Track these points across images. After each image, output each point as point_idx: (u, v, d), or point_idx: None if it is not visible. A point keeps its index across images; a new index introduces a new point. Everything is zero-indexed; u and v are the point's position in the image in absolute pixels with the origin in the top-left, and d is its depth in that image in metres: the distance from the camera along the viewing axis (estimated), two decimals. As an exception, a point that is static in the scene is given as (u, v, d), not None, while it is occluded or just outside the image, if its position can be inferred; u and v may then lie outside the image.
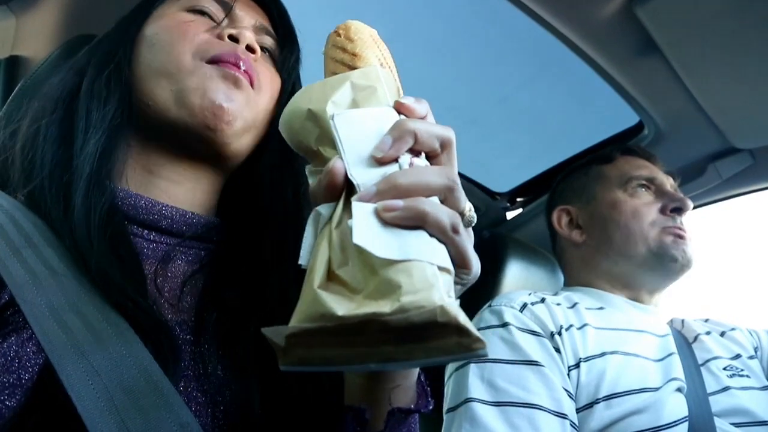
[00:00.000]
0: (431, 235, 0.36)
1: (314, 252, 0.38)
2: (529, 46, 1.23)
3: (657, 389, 0.89)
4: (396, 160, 0.39)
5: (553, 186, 1.35)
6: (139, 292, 0.49)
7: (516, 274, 1.35)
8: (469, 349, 0.33)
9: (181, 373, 0.48)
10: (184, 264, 0.57)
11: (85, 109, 0.58)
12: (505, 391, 0.88)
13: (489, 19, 1.20)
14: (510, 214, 1.68)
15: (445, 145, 0.41)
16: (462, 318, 0.32)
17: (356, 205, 0.36)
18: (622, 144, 1.35)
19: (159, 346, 0.46)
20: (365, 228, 0.35)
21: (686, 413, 0.86)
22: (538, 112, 1.44)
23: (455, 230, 0.37)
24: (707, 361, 1.00)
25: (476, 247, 1.40)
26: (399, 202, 0.36)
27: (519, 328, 0.95)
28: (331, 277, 0.36)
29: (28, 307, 0.44)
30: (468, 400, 0.89)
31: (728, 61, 1.09)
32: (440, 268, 0.35)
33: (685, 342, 1.04)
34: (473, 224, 0.41)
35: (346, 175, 0.39)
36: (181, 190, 0.61)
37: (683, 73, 1.11)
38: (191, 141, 0.59)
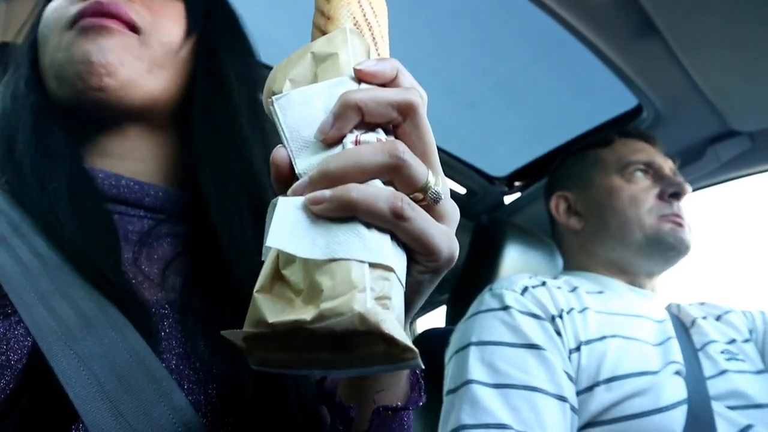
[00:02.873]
0: (368, 225, 0.32)
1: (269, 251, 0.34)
2: (527, 28, 1.22)
3: (656, 372, 0.90)
4: (341, 141, 0.34)
5: (550, 171, 1.35)
6: (116, 271, 0.48)
7: (514, 259, 1.35)
8: (398, 359, 0.29)
9: (172, 352, 0.47)
10: (165, 242, 0.56)
11: (15, 113, 0.56)
12: (506, 374, 0.88)
13: (486, 1, 1.19)
14: (508, 199, 1.68)
15: (405, 111, 0.35)
16: (387, 326, 0.29)
17: (280, 202, 0.32)
18: (621, 127, 1.35)
19: (141, 326, 0.46)
20: (286, 226, 0.31)
21: (685, 396, 0.86)
22: (537, 96, 1.44)
23: (398, 215, 0.32)
24: (705, 345, 1.01)
25: (474, 232, 1.39)
26: (326, 193, 0.31)
27: (520, 311, 0.95)
28: (279, 276, 0.33)
29: (16, 295, 0.44)
30: (468, 381, 0.89)
31: (728, 43, 1.08)
32: (373, 266, 0.31)
33: (682, 326, 1.05)
34: (441, 199, 0.35)
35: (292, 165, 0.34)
36: (139, 164, 0.59)
37: (682, 55, 1.10)
38: (97, 112, 0.56)
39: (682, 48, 1.09)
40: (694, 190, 1.42)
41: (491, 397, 0.86)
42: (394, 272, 0.32)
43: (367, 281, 0.30)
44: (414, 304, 0.38)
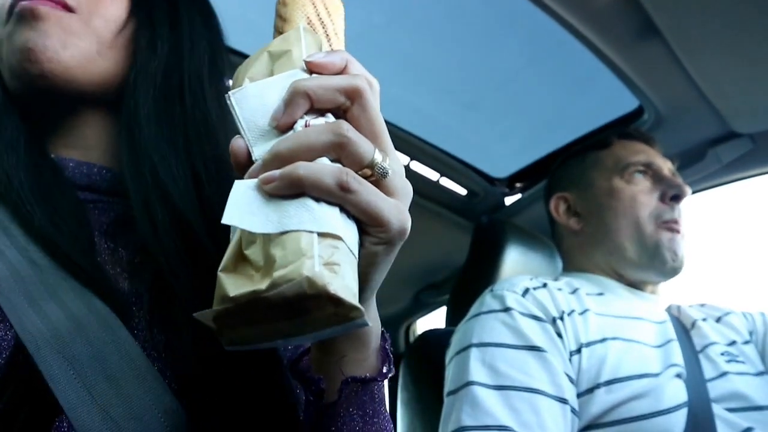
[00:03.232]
0: (318, 200, 0.34)
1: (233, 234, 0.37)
2: (528, 29, 1.22)
3: (657, 375, 0.89)
4: (293, 126, 0.37)
5: (550, 172, 1.35)
6: (91, 262, 0.48)
7: (515, 260, 1.35)
8: (347, 319, 0.32)
9: (149, 345, 0.47)
10: (134, 229, 0.53)
11: None
12: (507, 375, 0.88)
13: (487, 2, 1.19)
14: (508, 200, 1.68)
15: (352, 96, 0.37)
16: (333, 287, 0.31)
17: (236, 184, 0.35)
18: (622, 129, 1.35)
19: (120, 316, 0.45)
20: (241, 204, 0.34)
21: (685, 398, 0.86)
22: (538, 97, 1.44)
23: (345, 188, 0.34)
24: (705, 347, 1.00)
25: (474, 234, 1.40)
26: (276, 172, 0.34)
27: (521, 313, 0.95)
28: (242, 257, 0.35)
29: (3, 298, 0.43)
30: (469, 383, 0.89)
31: (729, 44, 1.08)
32: (322, 235, 0.33)
33: (682, 328, 1.04)
34: (388, 173, 0.37)
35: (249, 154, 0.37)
36: (103, 151, 0.57)
37: (684, 56, 1.10)
38: (46, 99, 0.55)
39: (683, 50, 1.09)
40: (695, 192, 1.42)
41: (492, 399, 0.86)
42: (343, 241, 0.34)
43: (315, 249, 0.32)
44: (371, 276, 0.40)
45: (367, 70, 0.41)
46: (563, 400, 0.86)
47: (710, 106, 1.24)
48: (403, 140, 1.43)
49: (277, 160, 0.35)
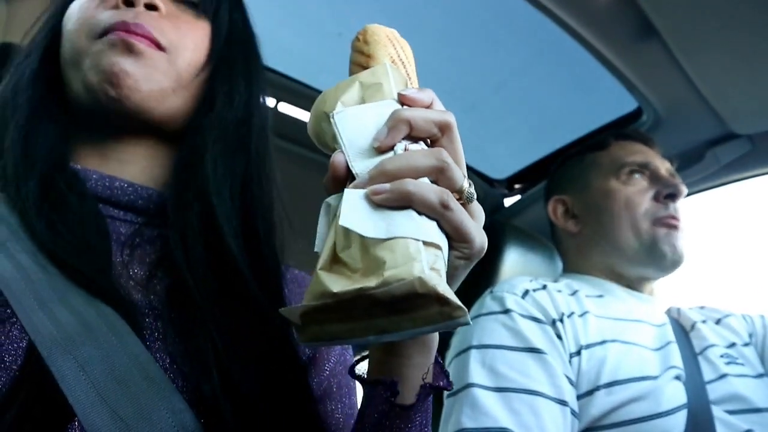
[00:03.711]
0: (420, 213, 0.38)
1: (325, 239, 0.40)
2: (527, 30, 1.22)
3: (656, 377, 0.89)
4: (392, 148, 0.41)
5: (549, 174, 1.35)
6: (98, 274, 0.49)
7: (514, 261, 1.35)
8: (450, 318, 0.35)
9: (155, 356, 0.48)
10: (154, 244, 0.56)
11: (13, 104, 0.57)
12: (507, 377, 0.88)
13: (486, 4, 1.19)
14: (508, 201, 1.68)
15: (443, 129, 0.43)
16: (442, 288, 0.35)
17: (347, 192, 0.39)
18: (621, 130, 1.35)
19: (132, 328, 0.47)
20: (353, 211, 0.38)
21: (685, 401, 0.86)
22: (537, 98, 1.44)
23: (445, 206, 0.38)
24: (704, 349, 1.00)
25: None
26: (386, 186, 0.38)
27: (521, 315, 0.95)
28: (336, 260, 0.38)
29: (15, 301, 0.44)
30: (469, 385, 0.89)
31: (728, 46, 1.08)
32: (426, 243, 0.37)
33: (682, 331, 1.04)
34: (474, 200, 0.42)
35: (348, 168, 0.41)
36: (138, 168, 0.60)
37: (682, 57, 1.10)
38: (114, 119, 0.58)
39: (682, 51, 1.09)
40: (694, 193, 1.42)
41: (492, 401, 0.86)
42: (441, 251, 0.38)
43: (423, 254, 0.36)
44: (450, 287, 0.42)
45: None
46: (563, 402, 0.86)
47: (709, 107, 1.24)
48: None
49: (384, 175, 0.39)
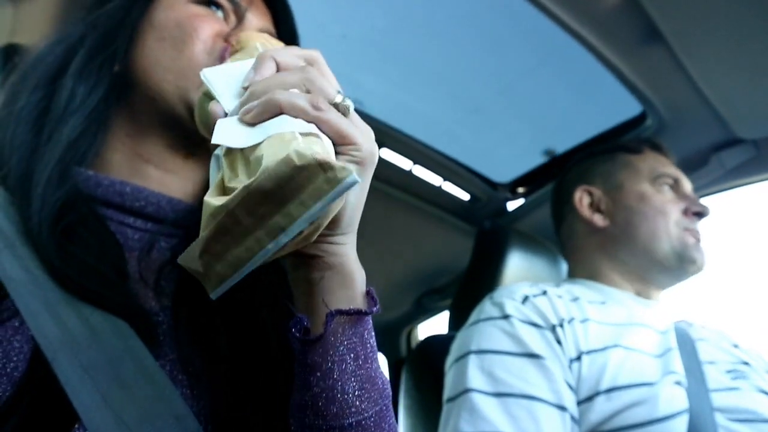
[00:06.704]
0: (296, 118, 0.39)
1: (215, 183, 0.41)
2: (531, 34, 1.22)
3: (655, 383, 0.89)
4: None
5: (568, 167, 1.32)
6: (104, 284, 0.48)
7: (517, 265, 1.35)
8: (337, 181, 0.35)
9: (166, 359, 0.48)
10: (165, 250, 0.56)
11: (69, 91, 0.55)
12: (505, 383, 0.88)
13: (491, 7, 1.19)
14: (511, 205, 1.67)
15: (311, 60, 0.44)
16: (321, 155, 0.35)
17: (219, 120, 0.40)
18: (624, 135, 1.35)
19: (143, 335, 0.47)
20: (226, 131, 0.39)
21: (685, 406, 0.85)
22: (541, 102, 1.43)
23: (317, 107, 0.39)
24: (712, 359, 0.99)
25: (477, 238, 1.39)
26: (255, 102, 0.39)
27: (521, 320, 0.95)
28: (224, 191, 0.38)
29: (22, 303, 0.44)
30: (467, 390, 0.89)
31: (733, 50, 1.08)
32: (302, 134, 0.37)
33: (688, 338, 1.03)
34: (352, 111, 0.42)
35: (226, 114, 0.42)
36: (176, 180, 0.60)
37: (687, 62, 1.10)
38: (192, 136, 0.57)
39: (686, 55, 1.09)
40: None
41: (490, 406, 0.85)
42: (322, 140, 0.38)
43: (300, 139, 0.36)
44: (350, 199, 0.42)
45: (370, 73, 0.45)
46: (562, 408, 0.86)
47: (714, 112, 1.24)
48: (406, 145, 1.43)
49: (254, 96, 0.40)
